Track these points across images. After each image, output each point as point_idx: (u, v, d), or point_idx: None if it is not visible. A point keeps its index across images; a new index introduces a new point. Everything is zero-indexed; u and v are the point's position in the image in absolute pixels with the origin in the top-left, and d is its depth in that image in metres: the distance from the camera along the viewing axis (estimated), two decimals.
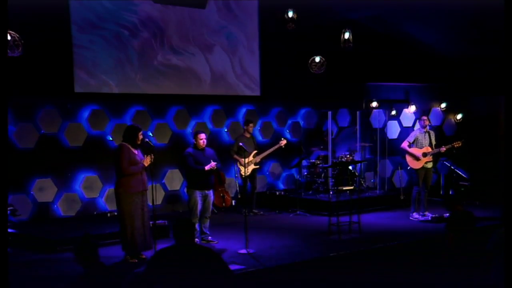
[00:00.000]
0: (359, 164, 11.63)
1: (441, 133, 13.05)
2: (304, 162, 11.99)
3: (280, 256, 7.66)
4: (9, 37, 7.85)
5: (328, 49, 11.02)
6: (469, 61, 12.91)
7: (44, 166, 9.78)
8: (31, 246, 8.24)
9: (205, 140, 8.29)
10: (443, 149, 10.09)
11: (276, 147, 10.82)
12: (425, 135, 10.14)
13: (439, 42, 12.87)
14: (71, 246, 7.23)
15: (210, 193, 8.38)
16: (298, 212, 10.86)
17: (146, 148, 7.44)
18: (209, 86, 11.59)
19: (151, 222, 7.63)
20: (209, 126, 11.66)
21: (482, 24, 11.43)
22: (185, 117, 11.38)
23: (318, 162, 11.76)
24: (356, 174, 11.54)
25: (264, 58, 12.21)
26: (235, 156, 10.54)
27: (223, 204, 10.44)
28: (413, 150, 10.08)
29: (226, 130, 11.91)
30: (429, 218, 10.00)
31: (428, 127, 10.24)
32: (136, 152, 7.34)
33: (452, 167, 12.15)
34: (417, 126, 11.99)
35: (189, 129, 11.39)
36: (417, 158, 10.04)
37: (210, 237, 8.43)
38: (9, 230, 7.67)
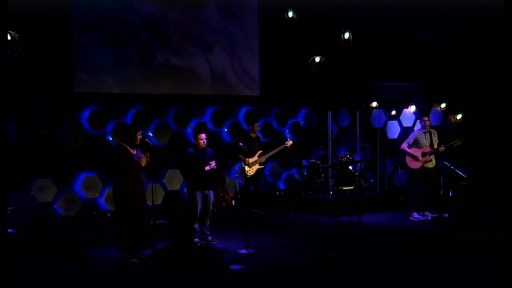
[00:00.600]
0: (359, 164, 11.63)
1: (441, 133, 13.04)
2: (304, 162, 12.00)
3: (280, 256, 7.66)
4: (9, 37, 7.86)
5: (328, 49, 11.03)
6: (469, 61, 12.91)
7: (44, 166, 9.77)
8: (31, 246, 8.24)
9: (205, 140, 8.29)
10: (442, 148, 10.09)
11: (281, 147, 10.77)
12: (425, 135, 10.13)
13: (439, 42, 12.87)
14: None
15: (210, 193, 8.38)
16: (298, 212, 10.86)
17: (146, 148, 7.44)
18: (209, 86, 11.60)
19: (151, 222, 7.62)
20: (209, 126, 11.66)
21: (482, 24, 11.42)
22: (185, 117, 11.38)
23: (318, 162, 11.76)
24: (356, 174, 11.54)
25: (264, 58, 12.21)
26: (240, 156, 10.47)
27: (223, 204, 10.44)
28: (412, 150, 10.08)
29: (226, 130, 11.91)
30: (429, 218, 10.00)
31: (428, 127, 10.24)
32: (134, 152, 7.34)
33: (452, 167, 12.15)
34: (418, 126, 12.01)
35: (189, 129, 11.39)
36: (416, 159, 10.04)
37: (210, 237, 8.43)
38: (9, 230, 7.67)
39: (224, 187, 10.64)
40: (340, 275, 6.83)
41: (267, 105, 12.52)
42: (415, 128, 12.53)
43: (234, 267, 6.94)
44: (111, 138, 10.33)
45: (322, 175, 11.67)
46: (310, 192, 11.62)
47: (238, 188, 11.51)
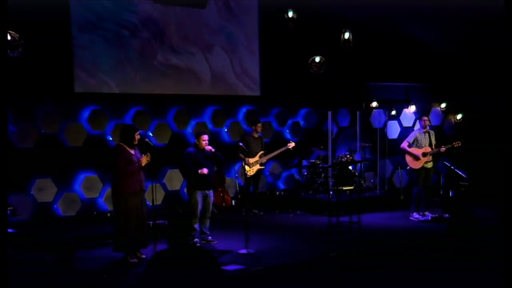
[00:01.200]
0: (359, 164, 11.63)
1: (441, 133, 13.05)
2: (304, 162, 12.00)
3: (280, 256, 7.66)
4: (9, 37, 7.85)
5: (328, 49, 11.03)
6: (469, 61, 12.91)
7: (44, 166, 9.78)
8: (31, 246, 8.23)
9: (207, 142, 8.29)
10: (443, 149, 10.09)
11: (283, 149, 10.76)
12: (425, 135, 10.14)
13: (439, 42, 12.87)
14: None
15: (210, 193, 8.38)
16: (298, 212, 10.86)
17: (146, 148, 7.43)
18: (209, 86, 11.60)
19: (150, 222, 7.62)
20: (209, 126, 11.65)
21: (482, 24, 11.43)
22: (185, 117, 11.38)
23: (318, 162, 11.76)
24: (356, 174, 11.54)
25: (264, 58, 12.21)
26: (241, 155, 10.46)
27: (223, 204, 10.43)
28: (413, 150, 10.08)
29: (226, 130, 11.91)
30: (429, 218, 10.00)
31: (428, 127, 10.24)
32: (133, 152, 7.34)
33: (452, 167, 12.14)
34: (417, 126, 12.00)
35: (189, 129, 11.39)
36: (416, 158, 10.04)
37: (210, 237, 8.43)
38: (9, 230, 7.66)
39: (224, 187, 10.63)
40: (340, 275, 6.83)
41: (267, 105, 12.51)
42: (415, 128, 12.53)
43: (234, 267, 6.95)
44: (111, 138, 10.32)
45: (322, 175, 11.66)
46: (310, 192, 11.62)
47: (238, 188, 11.51)
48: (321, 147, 12.01)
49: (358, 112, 12.33)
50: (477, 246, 7.81)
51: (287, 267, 7.18)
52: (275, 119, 12.66)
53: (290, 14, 10.16)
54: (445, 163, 12.29)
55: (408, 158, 10.15)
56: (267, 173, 12.46)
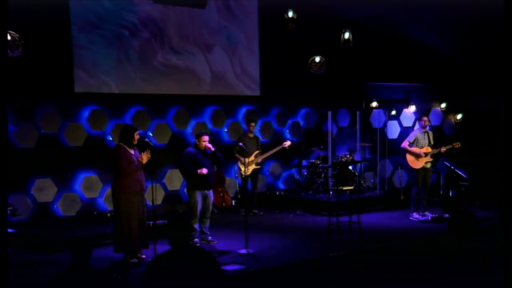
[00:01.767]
0: (359, 164, 11.63)
1: (441, 133, 13.05)
2: (304, 162, 12.00)
3: (280, 256, 7.66)
4: (9, 37, 7.85)
5: (328, 49, 11.02)
6: (469, 61, 12.91)
7: (44, 166, 9.78)
8: (31, 246, 8.24)
9: (208, 143, 8.28)
10: (443, 149, 10.10)
11: (279, 148, 10.81)
12: (424, 135, 10.14)
13: (439, 42, 12.87)
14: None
15: (210, 193, 8.38)
16: (298, 212, 10.86)
17: (146, 149, 7.42)
18: (209, 86, 11.59)
19: (150, 222, 7.62)
20: (209, 126, 11.66)
21: (482, 24, 11.43)
22: (185, 117, 11.38)
23: (318, 162, 11.76)
24: (356, 174, 11.54)
25: (264, 58, 12.21)
26: (237, 155, 10.54)
27: (223, 204, 10.44)
28: (414, 149, 10.08)
29: (226, 130, 11.91)
30: (429, 218, 10.01)
31: (428, 128, 10.24)
32: (132, 152, 7.34)
33: (452, 167, 12.15)
34: (417, 126, 12.00)
35: (189, 129, 11.39)
36: (418, 157, 10.03)
37: (210, 237, 8.44)
38: (9, 230, 7.66)
39: (224, 187, 10.64)
40: (340, 275, 6.83)
41: (267, 105, 12.52)
42: (415, 128, 12.53)
43: (234, 267, 6.95)
44: (111, 138, 10.32)
45: (322, 175, 11.67)
46: (310, 192, 11.62)
47: (238, 188, 11.52)
48: (321, 147, 12.01)
49: (358, 112, 12.33)
50: (477, 246, 7.80)
51: (287, 267, 7.18)
52: (275, 119, 12.66)
53: (290, 14, 10.15)
54: (445, 163, 12.30)
55: (409, 158, 10.15)
56: (267, 173, 12.46)
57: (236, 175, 11.47)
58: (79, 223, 9.52)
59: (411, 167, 10.18)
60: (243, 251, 7.75)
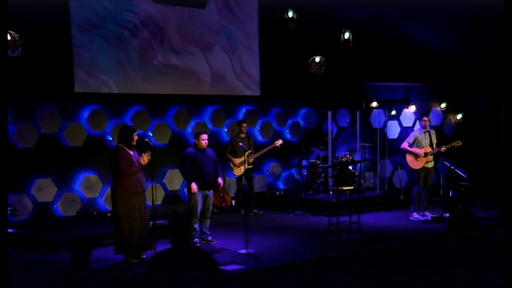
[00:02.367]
0: (359, 164, 11.62)
1: (441, 133, 13.05)
2: (304, 162, 11.99)
3: (280, 256, 7.66)
4: (9, 37, 7.85)
5: (328, 49, 11.02)
6: (469, 61, 12.91)
7: (44, 166, 9.78)
8: (31, 246, 8.24)
9: (207, 141, 8.28)
10: (443, 148, 10.09)
11: (270, 147, 10.85)
12: (425, 135, 10.13)
13: (439, 42, 12.87)
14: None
15: (211, 193, 8.38)
16: (298, 212, 10.86)
17: (146, 148, 7.42)
18: (209, 86, 11.59)
19: (151, 222, 7.62)
20: (209, 126, 11.65)
21: (482, 24, 11.43)
22: (185, 117, 11.38)
23: (318, 162, 11.76)
24: (356, 174, 11.54)
25: (264, 58, 12.20)
26: (228, 156, 10.60)
27: (223, 204, 10.41)
28: (414, 149, 10.08)
29: (226, 130, 11.91)
30: (429, 218, 10.00)
31: (428, 127, 10.24)
32: (132, 153, 7.33)
33: (452, 167, 12.15)
34: (417, 126, 12.01)
35: (189, 129, 11.39)
36: (417, 158, 10.03)
37: (210, 237, 8.44)
38: (9, 230, 7.67)
39: (224, 187, 10.62)
40: (340, 275, 6.83)
41: (267, 105, 12.51)
42: (415, 128, 12.53)
43: (234, 267, 6.95)
44: (111, 138, 10.32)
45: (322, 175, 11.67)
46: (310, 192, 11.62)
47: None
48: (321, 147, 12.01)
49: (358, 112, 12.33)
50: (477, 246, 7.80)
51: (287, 267, 7.18)
52: (275, 119, 12.66)
53: (290, 14, 10.16)
54: (445, 163, 12.30)
55: (408, 158, 10.15)
56: (267, 173, 12.46)
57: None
58: (79, 223, 9.51)
59: (412, 167, 10.18)
60: (243, 251, 7.75)
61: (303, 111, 13.05)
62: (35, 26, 9.13)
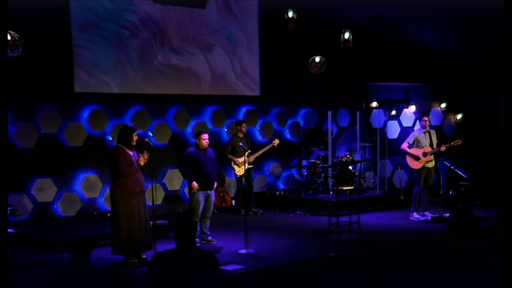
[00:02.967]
0: (359, 164, 11.62)
1: (441, 133, 13.05)
2: (304, 162, 11.99)
3: (280, 256, 7.66)
4: (9, 37, 7.85)
5: (328, 49, 11.02)
6: (469, 61, 12.92)
7: (44, 166, 9.78)
8: (31, 246, 8.24)
9: (208, 141, 8.28)
10: (443, 148, 10.09)
11: (269, 146, 10.87)
12: (425, 135, 10.14)
13: (439, 42, 12.87)
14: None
15: (212, 193, 8.39)
16: (298, 212, 10.86)
17: (146, 149, 7.42)
18: (209, 86, 11.59)
19: (151, 222, 7.61)
20: (209, 126, 11.65)
21: (482, 24, 11.43)
22: (185, 117, 11.39)
23: (318, 162, 11.76)
24: (356, 174, 11.54)
25: (264, 58, 12.20)
26: (229, 156, 10.60)
27: (223, 204, 10.44)
28: (413, 150, 10.09)
29: (226, 130, 11.91)
30: (429, 218, 10.00)
31: (428, 127, 10.24)
32: (131, 153, 7.32)
33: (452, 167, 12.15)
34: (417, 126, 12.01)
35: (189, 129, 11.39)
36: (417, 158, 10.04)
37: (210, 237, 8.44)
38: (9, 230, 7.67)
39: (224, 187, 10.64)
40: (340, 275, 6.83)
41: (267, 105, 12.52)
42: (415, 128, 12.54)
43: (234, 267, 6.95)
44: (111, 138, 10.32)
45: (322, 175, 11.67)
46: (310, 192, 11.62)
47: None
48: (321, 147, 12.01)
49: (358, 112, 12.33)
50: (477, 246, 7.80)
51: (287, 267, 7.18)
52: (275, 119, 12.66)
53: (290, 14, 10.16)
54: (445, 163, 12.31)
55: (408, 159, 10.16)
56: (267, 173, 12.46)
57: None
58: (79, 223, 9.51)
59: (412, 168, 10.18)
60: (243, 251, 7.75)
61: (303, 111, 13.05)
62: (35, 26, 9.13)
